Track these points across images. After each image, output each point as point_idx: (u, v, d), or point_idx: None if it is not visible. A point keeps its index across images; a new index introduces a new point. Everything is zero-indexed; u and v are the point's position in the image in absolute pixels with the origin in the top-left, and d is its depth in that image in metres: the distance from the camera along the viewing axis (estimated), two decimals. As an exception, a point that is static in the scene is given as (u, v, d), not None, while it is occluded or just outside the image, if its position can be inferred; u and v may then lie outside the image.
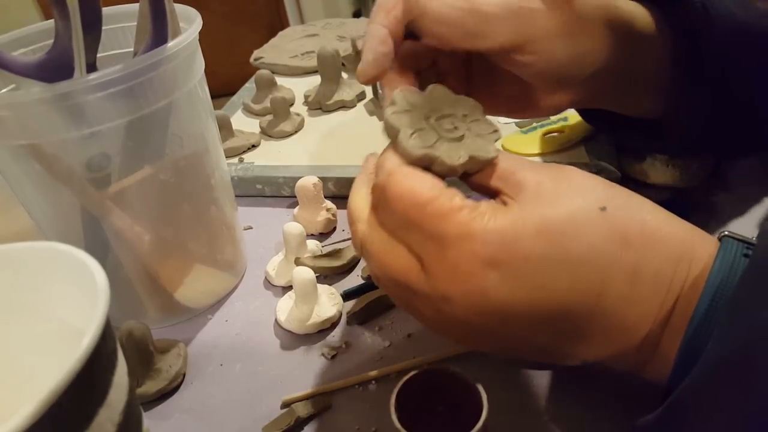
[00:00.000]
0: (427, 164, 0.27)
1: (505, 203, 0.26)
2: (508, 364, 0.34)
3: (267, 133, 0.62)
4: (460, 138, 0.28)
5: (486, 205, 0.26)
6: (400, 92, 0.29)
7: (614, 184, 0.27)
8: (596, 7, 0.33)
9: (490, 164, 0.27)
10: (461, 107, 0.29)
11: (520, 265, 0.24)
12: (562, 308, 0.25)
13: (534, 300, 0.25)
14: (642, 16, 0.35)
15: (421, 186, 0.26)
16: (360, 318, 0.39)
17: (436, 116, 0.28)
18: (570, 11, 0.31)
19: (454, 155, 0.27)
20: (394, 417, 0.25)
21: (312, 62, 0.76)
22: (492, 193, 0.27)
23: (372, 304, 0.39)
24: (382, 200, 0.27)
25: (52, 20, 0.33)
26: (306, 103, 0.68)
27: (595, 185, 0.27)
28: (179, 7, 0.37)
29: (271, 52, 0.82)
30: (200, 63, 0.37)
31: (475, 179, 0.28)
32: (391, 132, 0.28)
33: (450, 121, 0.28)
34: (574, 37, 0.32)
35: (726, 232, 0.26)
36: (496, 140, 0.28)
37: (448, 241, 0.25)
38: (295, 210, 0.49)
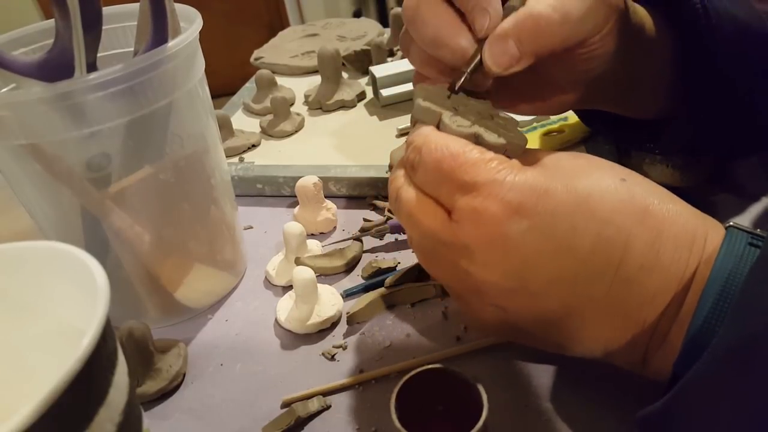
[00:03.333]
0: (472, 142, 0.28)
1: (533, 168, 0.27)
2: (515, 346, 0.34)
3: (267, 132, 0.62)
4: (492, 118, 0.29)
5: (516, 161, 0.27)
6: (423, 86, 0.30)
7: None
8: (630, 8, 0.32)
9: (521, 150, 0.29)
10: (474, 102, 0.31)
11: (547, 218, 0.25)
12: (584, 271, 0.25)
13: (557, 257, 0.25)
14: (648, 19, 0.35)
15: (456, 141, 0.27)
16: (360, 318, 0.39)
17: (462, 105, 0.30)
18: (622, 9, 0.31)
19: (496, 136, 0.28)
20: (394, 417, 0.25)
21: (312, 62, 0.77)
22: None
23: (372, 304, 0.39)
24: (416, 158, 0.27)
25: (52, 20, 0.33)
26: (306, 102, 0.68)
27: (612, 164, 0.28)
28: (179, 7, 0.37)
29: (272, 51, 0.82)
30: (200, 63, 0.37)
31: None
32: (431, 116, 0.29)
33: (477, 111, 0.30)
34: (613, 33, 0.31)
35: (732, 222, 0.26)
36: (518, 125, 0.30)
37: (478, 186, 0.25)
38: (296, 210, 0.49)
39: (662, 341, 0.26)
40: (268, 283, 0.44)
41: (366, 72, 0.73)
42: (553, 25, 0.28)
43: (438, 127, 0.29)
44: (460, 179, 0.26)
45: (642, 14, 0.34)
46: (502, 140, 0.28)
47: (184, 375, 0.37)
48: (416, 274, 0.41)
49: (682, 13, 0.34)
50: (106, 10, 0.35)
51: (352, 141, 0.59)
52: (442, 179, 0.27)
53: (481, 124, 0.29)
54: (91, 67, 0.33)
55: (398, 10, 0.77)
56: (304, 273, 0.38)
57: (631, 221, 0.25)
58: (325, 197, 0.49)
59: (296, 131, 0.62)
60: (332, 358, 0.37)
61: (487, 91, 0.32)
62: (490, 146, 0.28)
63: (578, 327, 0.27)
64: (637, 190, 0.26)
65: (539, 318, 0.27)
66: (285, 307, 0.40)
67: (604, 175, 0.27)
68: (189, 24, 0.36)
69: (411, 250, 0.45)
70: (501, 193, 0.25)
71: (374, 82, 0.65)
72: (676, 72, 0.36)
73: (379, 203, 0.50)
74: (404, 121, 0.61)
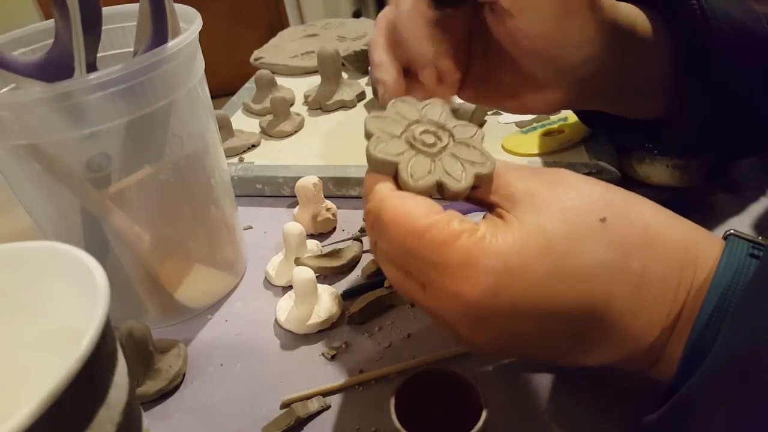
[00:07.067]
0: (433, 193, 0.26)
1: (501, 217, 0.26)
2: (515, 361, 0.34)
3: (267, 133, 0.62)
4: (452, 131, 0.28)
5: (485, 227, 0.25)
6: (371, 119, 0.28)
7: (610, 185, 0.27)
8: (607, 5, 0.32)
9: (490, 178, 0.27)
10: (431, 113, 0.29)
11: (526, 289, 0.24)
12: (569, 326, 0.25)
13: (539, 321, 0.25)
14: (641, 20, 0.35)
15: (417, 211, 0.25)
16: (360, 318, 0.39)
17: (420, 130, 0.27)
18: None
19: (459, 178, 0.26)
20: (394, 417, 0.25)
21: (312, 62, 0.77)
22: (486, 206, 0.27)
23: (372, 304, 0.39)
24: (377, 226, 0.26)
25: (52, 20, 0.33)
26: (306, 103, 0.68)
27: (591, 192, 0.26)
28: (179, 7, 0.37)
29: (271, 52, 0.82)
30: (200, 63, 0.37)
31: (471, 194, 0.27)
32: (387, 167, 0.26)
33: (433, 134, 0.27)
34: (584, 23, 0.31)
35: (732, 231, 0.26)
36: (482, 139, 0.28)
37: (450, 269, 0.24)
38: (295, 210, 0.49)
39: (660, 353, 0.26)
40: (268, 283, 0.44)
41: (366, 72, 0.73)
42: None
43: (395, 177, 0.26)
44: (429, 259, 0.24)
45: (632, 14, 0.34)
46: (467, 182, 0.26)
47: (184, 375, 0.37)
48: (416, 274, 0.41)
49: (680, 14, 0.34)
50: (106, 10, 0.35)
51: (352, 141, 0.59)
52: (408, 256, 0.25)
53: (444, 164, 0.26)
54: (91, 67, 0.33)
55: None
56: (304, 273, 0.38)
57: (613, 272, 0.24)
58: (325, 197, 0.49)
59: (296, 131, 0.62)
60: (332, 358, 0.37)
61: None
62: (454, 193, 0.26)
63: (568, 357, 0.27)
64: (618, 230, 0.25)
65: (528, 357, 0.28)
66: (285, 307, 0.40)
67: (582, 216, 0.25)
68: (189, 24, 0.36)
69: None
70: (475, 277, 0.24)
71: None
72: (674, 72, 0.36)
73: (379, 203, 0.50)
74: (404, 121, 0.61)
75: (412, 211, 0.25)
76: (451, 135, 0.28)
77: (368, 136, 0.27)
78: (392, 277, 0.27)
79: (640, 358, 0.26)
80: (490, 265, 0.24)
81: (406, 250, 0.25)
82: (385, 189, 0.26)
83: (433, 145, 0.27)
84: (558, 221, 0.25)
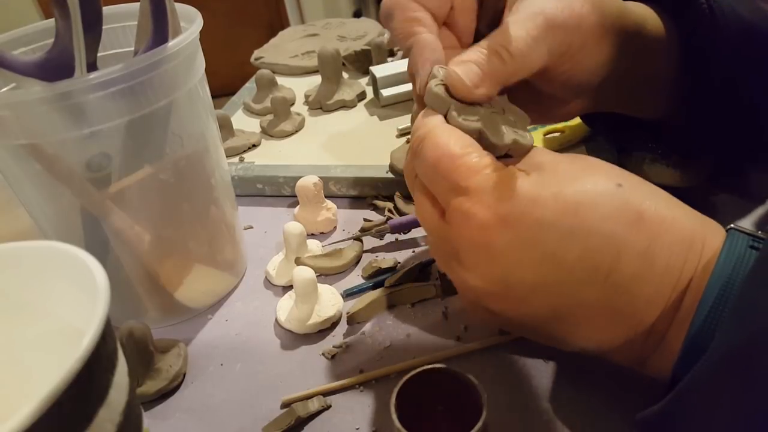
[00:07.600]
0: (475, 138, 0.28)
1: (527, 174, 0.27)
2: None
3: (267, 132, 0.62)
4: (503, 112, 0.29)
5: (512, 169, 0.27)
6: (440, 67, 0.30)
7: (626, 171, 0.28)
8: (614, 16, 0.32)
9: (526, 151, 0.29)
10: None
11: (533, 227, 0.25)
12: (570, 280, 0.25)
13: (541, 266, 0.25)
14: (652, 19, 0.35)
15: (458, 141, 0.27)
16: (360, 318, 0.39)
17: None
18: (593, 22, 0.31)
19: (500, 135, 0.28)
20: (394, 417, 0.25)
21: (312, 62, 0.77)
22: None
23: (372, 304, 0.39)
24: (418, 149, 0.28)
25: (52, 19, 0.33)
26: (306, 102, 0.68)
27: (612, 167, 0.28)
28: (180, 7, 0.37)
29: (272, 51, 0.83)
30: (201, 62, 0.37)
31: (502, 161, 0.28)
32: (441, 104, 0.29)
33: (488, 101, 0.30)
34: (598, 45, 0.32)
35: (732, 225, 0.26)
36: (529, 124, 0.30)
37: (469, 191, 0.26)
38: (296, 210, 0.49)
39: (659, 342, 0.26)
40: (268, 283, 0.44)
41: (366, 72, 0.73)
42: (498, 68, 0.29)
43: (446, 116, 0.29)
44: (455, 181, 0.26)
45: (642, 14, 0.34)
46: (505, 141, 0.28)
47: (184, 375, 0.37)
48: (416, 274, 0.41)
49: (689, 13, 0.34)
50: (106, 10, 0.35)
51: (352, 141, 0.59)
52: (437, 177, 0.27)
53: (490, 119, 0.29)
54: (91, 67, 0.33)
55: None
56: (305, 273, 0.38)
57: (623, 229, 0.25)
58: (325, 197, 0.49)
59: (296, 131, 0.62)
60: (332, 358, 0.37)
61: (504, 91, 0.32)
62: (492, 145, 0.28)
63: (568, 328, 0.27)
64: (633, 196, 0.26)
65: (526, 320, 0.28)
66: (285, 307, 0.40)
67: (599, 179, 0.26)
68: (189, 24, 0.36)
69: (411, 250, 0.45)
70: (489, 203, 0.26)
71: (374, 82, 0.65)
72: (682, 71, 0.36)
73: (379, 203, 0.50)
74: (404, 121, 0.61)
75: (454, 140, 0.27)
76: (503, 109, 0.30)
77: (433, 77, 0.30)
78: (419, 205, 0.29)
79: (639, 345, 0.26)
80: (504, 195, 0.26)
81: (438, 170, 0.27)
82: (437, 120, 0.29)
83: (488, 106, 0.30)
84: (575, 180, 0.26)
